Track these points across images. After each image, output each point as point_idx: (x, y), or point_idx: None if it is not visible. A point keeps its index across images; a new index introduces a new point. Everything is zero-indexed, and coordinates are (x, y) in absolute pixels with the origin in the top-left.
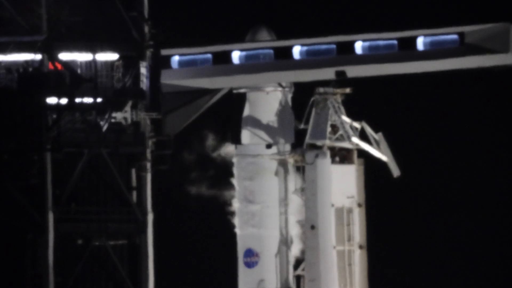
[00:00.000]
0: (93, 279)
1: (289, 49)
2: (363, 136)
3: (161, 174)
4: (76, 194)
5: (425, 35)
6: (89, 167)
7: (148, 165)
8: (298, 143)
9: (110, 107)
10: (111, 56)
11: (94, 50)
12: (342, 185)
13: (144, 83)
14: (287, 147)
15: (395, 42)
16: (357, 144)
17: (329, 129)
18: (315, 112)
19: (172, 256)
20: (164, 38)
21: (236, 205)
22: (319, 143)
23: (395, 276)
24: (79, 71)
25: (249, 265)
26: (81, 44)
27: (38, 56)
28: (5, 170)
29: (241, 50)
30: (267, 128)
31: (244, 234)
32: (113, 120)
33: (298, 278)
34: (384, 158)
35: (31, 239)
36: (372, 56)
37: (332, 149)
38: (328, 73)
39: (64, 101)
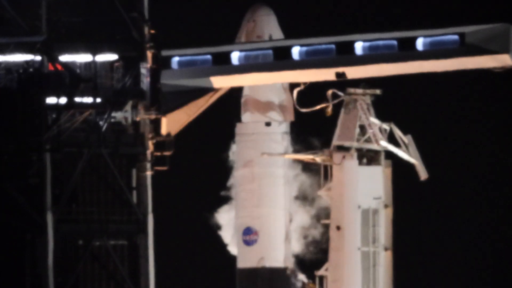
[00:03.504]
0: (93, 279)
1: (288, 49)
2: (392, 137)
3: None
4: (76, 194)
5: (425, 36)
6: (89, 167)
7: (148, 165)
8: (326, 142)
9: (110, 107)
10: (111, 57)
11: (94, 51)
12: (369, 186)
13: (144, 83)
14: (286, 126)
15: (395, 42)
16: (385, 147)
17: (357, 130)
18: (343, 112)
19: (172, 256)
20: (164, 38)
21: (236, 184)
22: (347, 144)
23: (420, 279)
24: (78, 71)
25: (248, 243)
26: (81, 44)
27: (38, 57)
28: (5, 170)
29: (241, 50)
30: (266, 106)
31: (243, 212)
32: (113, 120)
33: (321, 279)
34: (412, 160)
35: (30, 239)
36: (372, 56)
37: (360, 150)
38: (327, 74)
39: (64, 101)
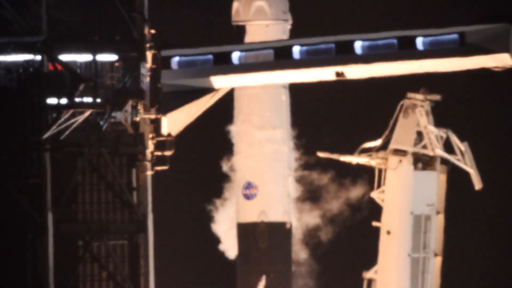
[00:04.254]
0: (93, 279)
1: (289, 49)
2: (448, 144)
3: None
4: (76, 194)
5: (425, 35)
6: (89, 167)
7: (149, 165)
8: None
9: (110, 107)
10: (111, 57)
11: (94, 51)
12: (423, 192)
13: (144, 83)
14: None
15: (394, 41)
16: (440, 155)
17: (414, 135)
18: (402, 117)
19: (172, 256)
20: (164, 39)
21: (236, 139)
22: (403, 149)
23: (470, 286)
24: (78, 71)
25: (248, 197)
26: (81, 44)
27: (38, 57)
28: (5, 170)
29: (241, 50)
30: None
31: (243, 166)
32: (113, 120)
33: (369, 282)
34: (467, 169)
35: (31, 239)
36: (371, 56)
37: (416, 155)
38: (327, 73)
39: (64, 101)
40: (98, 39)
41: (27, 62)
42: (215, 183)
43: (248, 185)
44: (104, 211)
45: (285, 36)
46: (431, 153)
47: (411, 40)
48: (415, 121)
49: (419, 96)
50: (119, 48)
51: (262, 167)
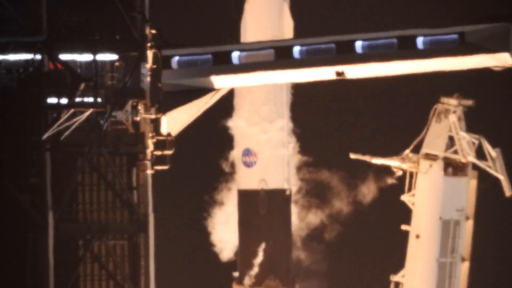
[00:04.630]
0: (93, 279)
1: (289, 49)
2: (480, 150)
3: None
4: (77, 194)
5: (425, 35)
6: (89, 166)
7: (149, 164)
8: (415, 148)
9: (111, 107)
10: (112, 57)
11: (94, 51)
12: (453, 197)
13: (145, 83)
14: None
15: (395, 41)
16: (472, 162)
17: (446, 140)
18: (435, 121)
19: (172, 256)
20: (165, 38)
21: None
22: (435, 153)
23: None
24: (79, 71)
25: (248, 165)
26: (81, 44)
27: (38, 56)
28: (5, 169)
29: (241, 50)
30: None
31: (242, 133)
32: (113, 120)
33: (396, 285)
34: (498, 175)
35: (31, 238)
36: (371, 55)
37: (447, 159)
38: (328, 73)
39: (64, 101)
40: (99, 39)
41: (27, 61)
42: (214, 183)
43: (247, 152)
44: (104, 211)
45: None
46: (462, 160)
47: (411, 39)
48: (448, 126)
49: (453, 101)
50: (119, 48)
51: (261, 134)
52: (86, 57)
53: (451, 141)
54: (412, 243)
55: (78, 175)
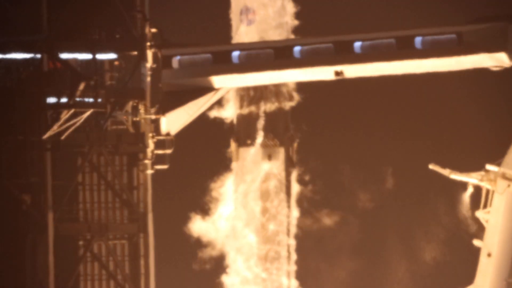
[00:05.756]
0: (93, 279)
1: (289, 48)
2: None
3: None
4: (77, 194)
5: (423, 35)
6: (89, 166)
7: (149, 163)
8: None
9: (111, 107)
10: (112, 56)
11: (94, 50)
12: None
13: (145, 82)
14: None
15: (393, 41)
16: None
17: None
18: None
19: (172, 256)
20: (165, 37)
21: None
22: None
23: None
24: (79, 69)
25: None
26: (81, 43)
27: (38, 55)
28: (6, 169)
29: (241, 49)
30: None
31: None
32: (113, 119)
33: None
34: None
35: (31, 238)
36: (370, 55)
37: None
38: (326, 72)
39: (64, 100)
40: (99, 38)
41: (27, 61)
42: (215, 183)
43: (246, 10)
44: (105, 211)
45: None
46: None
47: (410, 39)
48: None
49: None
50: (119, 47)
51: None
52: (86, 56)
53: None
54: (483, 260)
55: (78, 175)
